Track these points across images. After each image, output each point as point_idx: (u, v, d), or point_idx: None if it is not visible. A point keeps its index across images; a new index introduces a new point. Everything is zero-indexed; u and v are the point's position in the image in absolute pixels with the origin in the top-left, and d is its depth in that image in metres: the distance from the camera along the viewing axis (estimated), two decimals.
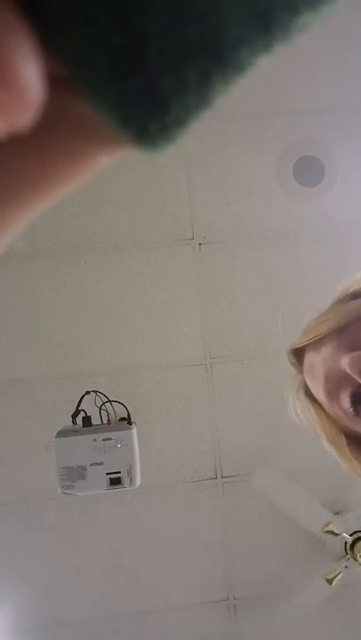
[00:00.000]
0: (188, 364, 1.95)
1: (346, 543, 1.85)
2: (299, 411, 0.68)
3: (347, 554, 1.85)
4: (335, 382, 0.61)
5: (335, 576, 1.82)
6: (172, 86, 0.13)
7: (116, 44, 0.12)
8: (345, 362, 0.58)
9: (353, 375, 0.57)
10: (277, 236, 1.98)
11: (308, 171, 1.96)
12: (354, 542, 1.84)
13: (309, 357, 0.66)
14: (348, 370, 0.58)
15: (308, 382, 0.67)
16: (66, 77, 0.13)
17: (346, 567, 1.84)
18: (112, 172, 1.93)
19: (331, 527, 1.84)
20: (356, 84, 1.94)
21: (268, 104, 1.94)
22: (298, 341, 0.68)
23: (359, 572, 1.87)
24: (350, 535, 1.85)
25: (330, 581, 1.82)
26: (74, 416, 1.60)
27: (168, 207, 1.95)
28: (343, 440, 0.64)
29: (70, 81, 0.13)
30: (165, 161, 1.93)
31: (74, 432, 1.54)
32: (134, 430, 1.57)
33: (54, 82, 0.13)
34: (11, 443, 1.90)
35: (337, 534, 1.83)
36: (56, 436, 1.53)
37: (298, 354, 0.70)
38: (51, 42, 0.13)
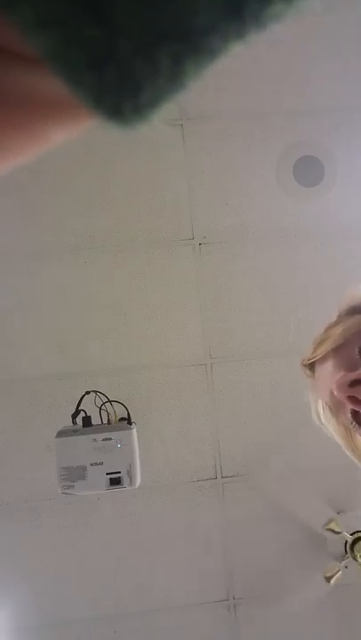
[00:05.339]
0: (188, 363, 1.95)
1: (346, 542, 1.85)
2: (322, 417, 0.71)
3: (347, 553, 1.85)
4: (337, 398, 0.64)
5: (334, 574, 1.82)
6: (144, 70, 0.13)
7: (87, 30, 0.13)
8: (333, 387, 0.61)
9: (341, 399, 0.61)
10: (277, 236, 1.98)
11: (309, 171, 1.96)
12: (354, 542, 1.84)
13: (318, 371, 0.70)
14: (336, 395, 0.61)
15: (320, 393, 0.69)
16: (31, 54, 0.13)
17: (346, 567, 1.84)
18: (112, 172, 1.93)
19: (332, 525, 1.84)
20: (356, 85, 1.94)
21: (268, 104, 1.94)
22: (307, 357, 0.71)
23: (359, 572, 1.87)
24: (351, 535, 1.85)
25: (328, 579, 1.82)
26: (74, 416, 1.60)
27: (168, 207, 1.95)
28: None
29: (40, 60, 0.13)
30: (165, 161, 1.93)
31: (74, 432, 1.54)
32: (134, 430, 1.57)
33: (14, 55, 0.13)
34: (11, 443, 1.90)
35: (338, 532, 1.83)
36: (56, 436, 1.53)
37: (310, 366, 0.72)
38: (27, 34, 0.13)
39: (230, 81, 1.84)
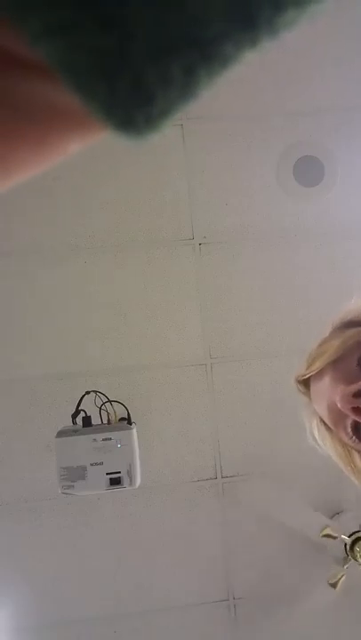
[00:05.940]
0: (188, 363, 1.95)
1: (346, 545, 1.84)
2: (316, 436, 0.70)
3: (347, 555, 1.84)
4: (336, 412, 0.63)
5: (339, 580, 1.81)
6: (157, 80, 0.13)
7: (95, 39, 0.12)
8: (336, 399, 0.61)
9: (345, 412, 0.60)
10: (277, 236, 1.98)
11: (309, 171, 1.96)
12: (353, 543, 1.83)
13: (314, 387, 0.69)
14: (340, 408, 0.61)
15: (316, 410, 0.68)
16: (43, 65, 0.13)
17: (346, 567, 1.84)
18: (112, 172, 1.93)
19: (327, 531, 1.83)
20: (357, 85, 1.94)
21: (268, 104, 1.94)
22: (301, 373, 0.70)
23: (359, 573, 1.87)
24: (349, 536, 1.84)
25: (334, 585, 1.81)
26: (74, 416, 1.60)
27: (168, 207, 1.95)
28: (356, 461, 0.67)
29: (52, 73, 0.13)
30: (165, 161, 1.93)
31: (74, 432, 1.54)
32: (134, 430, 1.57)
33: (28, 68, 0.13)
34: (11, 443, 1.90)
35: (335, 537, 1.83)
36: (56, 436, 1.53)
37: (305, 382, 0.71)
38: (35, 44, 0.12)
39: (230, 81, 1.84)
